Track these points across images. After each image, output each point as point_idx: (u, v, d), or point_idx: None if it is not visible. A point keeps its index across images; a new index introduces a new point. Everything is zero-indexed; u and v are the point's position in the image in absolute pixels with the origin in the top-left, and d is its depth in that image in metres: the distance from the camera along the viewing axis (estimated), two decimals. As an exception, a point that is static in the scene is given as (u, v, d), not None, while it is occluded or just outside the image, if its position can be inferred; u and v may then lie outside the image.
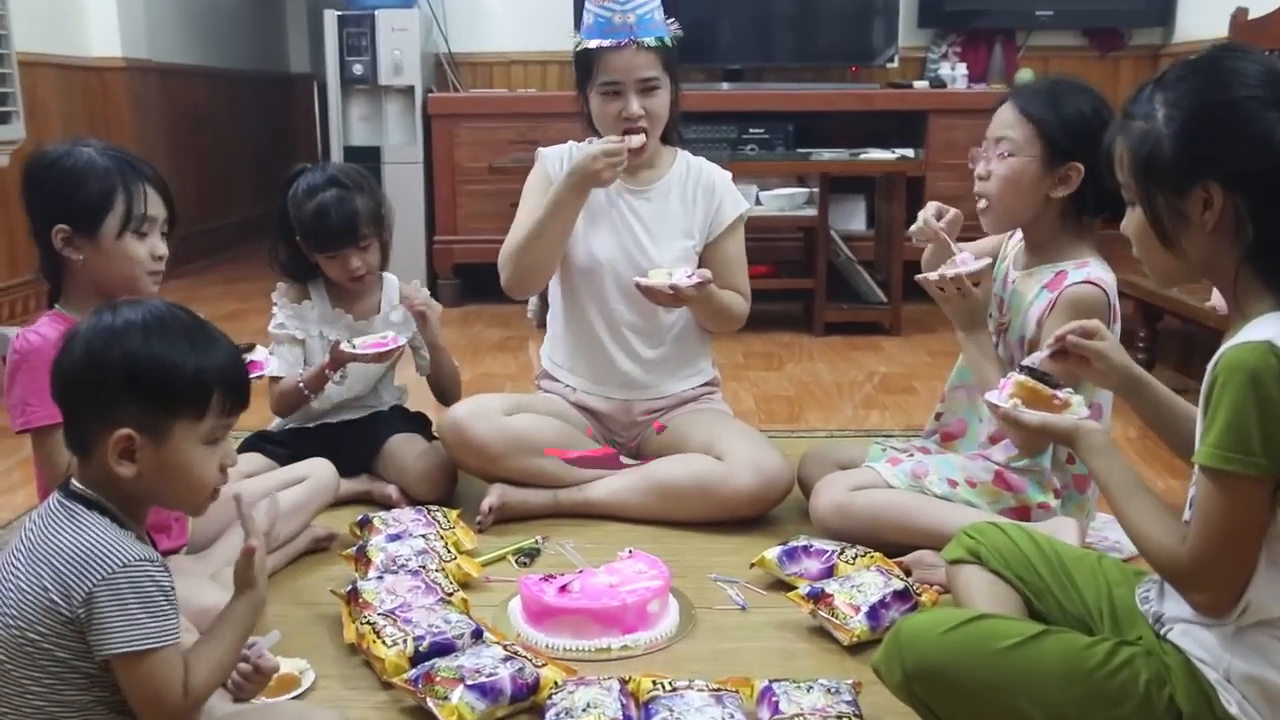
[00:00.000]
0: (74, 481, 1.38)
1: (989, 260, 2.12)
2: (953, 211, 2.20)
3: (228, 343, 1.44)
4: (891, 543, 2.15)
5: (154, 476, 1.36)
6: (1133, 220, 1.42)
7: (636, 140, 2.38)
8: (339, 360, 2.41)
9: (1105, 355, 1.61)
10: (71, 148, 1.87)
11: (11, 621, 1.31)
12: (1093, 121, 2.00)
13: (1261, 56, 1.36)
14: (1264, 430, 1.24)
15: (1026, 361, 1.69)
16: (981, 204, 2.12)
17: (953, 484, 2.16)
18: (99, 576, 1.29)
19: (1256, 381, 1.24)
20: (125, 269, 1.87)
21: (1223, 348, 1.30)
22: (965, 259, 2.10)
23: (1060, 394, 1.58)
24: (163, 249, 1.91)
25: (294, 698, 1.73)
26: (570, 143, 2.59)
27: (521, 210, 2.53)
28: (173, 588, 1.35)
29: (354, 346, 2.37)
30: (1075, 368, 1.65)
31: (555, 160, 2.55)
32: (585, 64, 2.42)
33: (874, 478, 2.23)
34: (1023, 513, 2.11)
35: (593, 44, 2.38)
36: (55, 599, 1.29)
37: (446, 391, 2.66)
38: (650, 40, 2.37)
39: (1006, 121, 2.07)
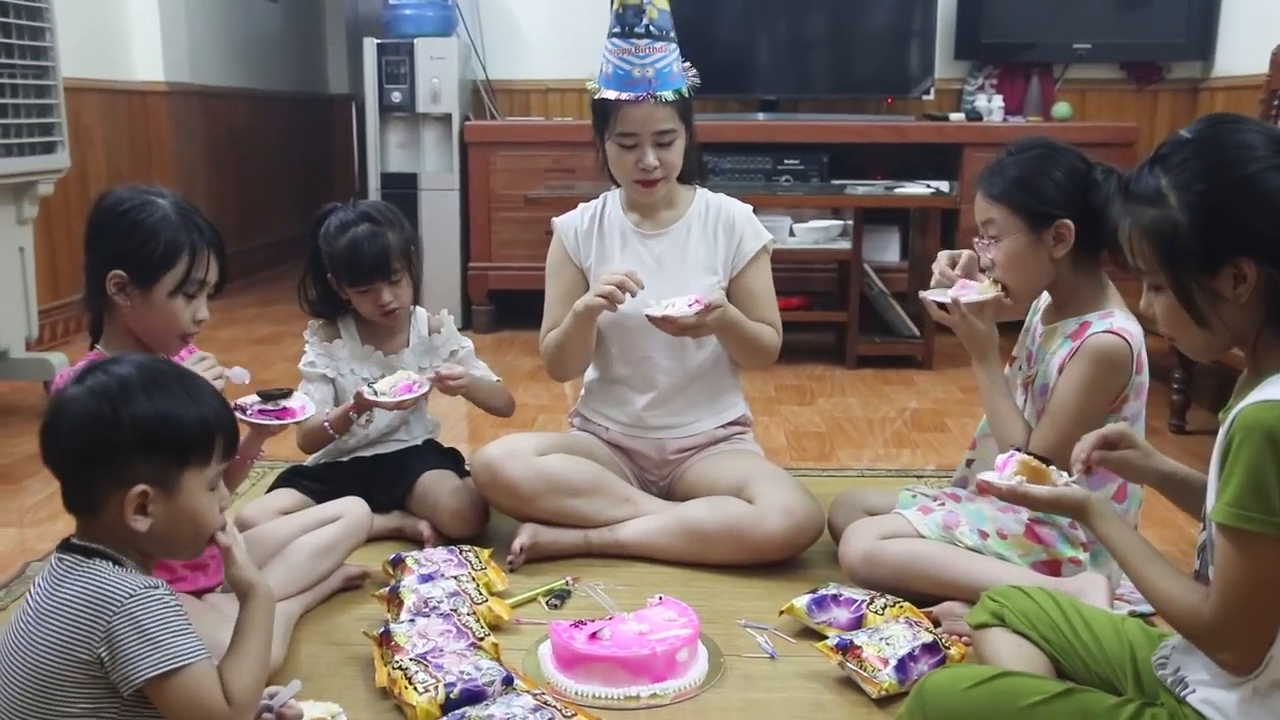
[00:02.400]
0: (72, 538, 1.41)
1: (994, 294, 2.10)
2: (965, 254, 2.22)
3: (212, 388, 1.51)
4: (920, 592, 2.15)
5: (165, 527, 1.41)
6: (1160, 304, 1.42)
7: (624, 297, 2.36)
8: (361, 406, 2.43)
9: (1131, 465, 1.61)
10: (147, 198, 1.89)
11: (34, 683, 1.33)
12: (1068, 184, 2.02)
13: (1258, 124, 1.37)
14: None
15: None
16: (1006, 291, 2.12)
17: (984, 535, 2.16)
18: (112, 611, 1.32)
19: (1275, 440, 1.25)
20: (165, 327, 1.92)
21: (1239, 406, 1.30)
22: (966, 285, 2.13)
23: (1061, 475, 1.60)
24: (205, 313, 1.95)
25: None
26: (581, 206, 2.61)
27: (548, 294, 2.58)
28: (181, 607, 1.38)
29: (375, 393, 2.38)
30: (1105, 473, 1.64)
31: (569, 230, 2.58)
32: (602, 112, 2.43)
33: (904, 526, 2.23)
34: (1053, 566, 2.11)
35: (610, 95, 2.40)
36: (73, 647, 1.32)
37: (497, 412, 2.69)
38: (668, 94, 2.38)
39: (981, 207, 2.09)
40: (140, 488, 1.38)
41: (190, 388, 1.45)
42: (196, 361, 1.96)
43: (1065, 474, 1.61)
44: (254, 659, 1.46)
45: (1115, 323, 2.04)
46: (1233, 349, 1.43)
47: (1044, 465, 1.60)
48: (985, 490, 1.65)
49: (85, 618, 1.32)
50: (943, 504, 2.27)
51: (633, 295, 2.35)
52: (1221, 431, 1.33)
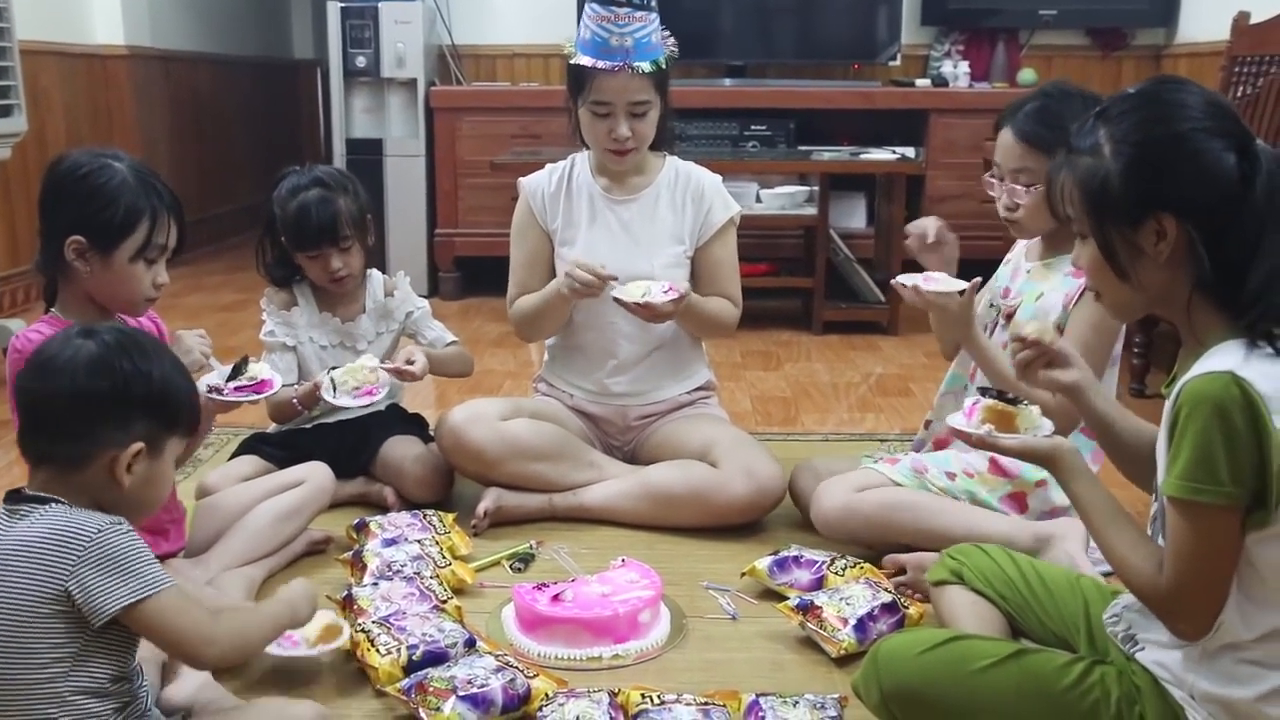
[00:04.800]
0: (25, 489, 1.41)
1: (961, 286, 2.10)
2: (951, 238, 2.23)
3: (183, 365, 1.56)
4: (897, 543, 2.17)
5: (138, 489, 1.44)
6: (1085, 253, 1.43)
7: (601, 283, 2.35)
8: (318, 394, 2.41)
9: (1067, 354, 1.59)
10: (105, 162, 1.87)
11: (2, 627, 1.34)
12: None
13: (1199, 87, 1.38)
14: (1231, 460, 1.26)
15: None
16: (1013, 224, 2.13)
17: (951, 476, 2.19)
18: (81, 546, 1.34)
19: (1221, 412, 1.26)
20: (127, 292, 1.90)
21: (1184, 378, 1.31)
22: (931, 276, 2.13)
23: (1031, 409, 1.59)
24: (164, 277, 1.94)
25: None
26: (548, 166, 2.60)
27: (514, 257, 2.57)
28: (143, 541, 1.40)
29: (334, 392, 2.34)
30: (1033, 384, 1.63)
31: (536, 192, 2.56)
32: (578, 78, 2.40)
33: (876, 478, 2.24)
34: (1020, 499, 2.15)
35: (586, 61, 2.37)
36: (43, 586, 1.33)
37: (459, 375, 2.68)
38: (645, 66, 2.36)
39: (1017, 153, 2.08)
40: (139, 445, 1.41)
41: (177, 361, 1.51)
42: (199, 335, 1.96)
43: (1035, 409, 1.59)
44: (255, 629, 1.52)
45: None
46: (1160, 314, 1.44)
47: (1011, 408, 1.58)
48: (956, 435, 1.63)
49: (52, 555, 1.33)
50: (908, 455, 2.29)
51: (599, 292, 2.35)
52: (1168, 405, 1.34)
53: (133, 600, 1.34)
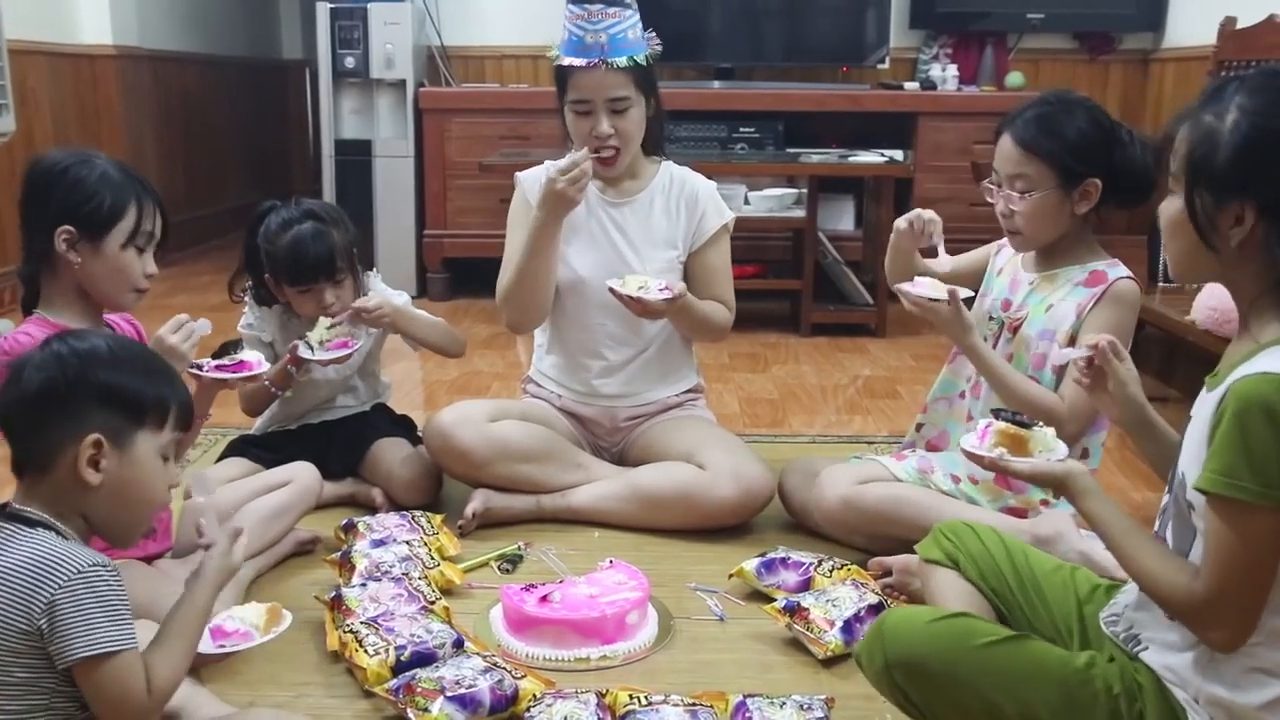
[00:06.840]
0: (13, 504, 1.39)
1: (941, 295, 2.10)
2: (929, 213, 2.24)
3: (173, 370, 1.54)
4: (898, 537, 2.17)
5: (116, 487, 1.40)
6: (1171, 207, 1.39)
7: (586, 160, 2.34)
8: (297, 361, 2.40)
9: (1125, 382, 1.61)
10: (85, 156, 1.90)
11: None
12: (1094, 135, 2.04)
13: None
14: (1277, 461, 1.23)
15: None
16: (1013, 234, 2.14)
17: (956, 480, 2.19)
18: (57, 584, 1.30)
19: (1271, 414, 1.24)
20: (117, 281, 1.91)
21: (1235, 375, 1.29)
22: (919, 281, 2.14)
23: (1045, 431, 1.59)
24: (153, 268, 1.95)
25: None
26: (546, 163, 2.59)
27: (509, 244, 2.55)
28: (125, 590, 1.37)
29: (311, 349, 2.35)
30: (1091, 385, 1.65)
31: (533, 184, 2.55)
32: (560, 79, 2.42)
33: (880, 471, 2.24)
34: (1022, 512, 2.16)
35: (565, 61, 2.39)
36: (14, 615, 1.30)
37: (445, 351, 2.63)
38: (621, 60, 2.36)
39: (1014, 158, 2.08)
40: (94, 436, 1.38)
41: (152, 364, 1.49)
42: (175, 329, 1.96)
43: (1049, 430, 1.60)
44: (183, 653, 1.44)
45: (1124, 270, 2.09)
46: (1213, 281, 1.42)
47: (1024, 431, 1.59)
48: (968, 458, 1.63)
49: (29, 587, 1.30)
50: (914, 451, 2.29)
51: (585, 183, 2.33)
52: (1213, 399, 1.32)
53: (90, 654, 1.30)
